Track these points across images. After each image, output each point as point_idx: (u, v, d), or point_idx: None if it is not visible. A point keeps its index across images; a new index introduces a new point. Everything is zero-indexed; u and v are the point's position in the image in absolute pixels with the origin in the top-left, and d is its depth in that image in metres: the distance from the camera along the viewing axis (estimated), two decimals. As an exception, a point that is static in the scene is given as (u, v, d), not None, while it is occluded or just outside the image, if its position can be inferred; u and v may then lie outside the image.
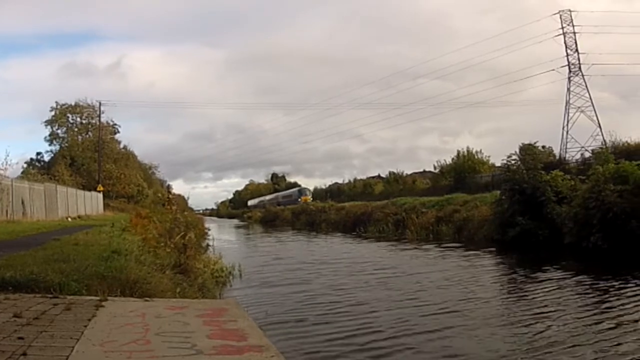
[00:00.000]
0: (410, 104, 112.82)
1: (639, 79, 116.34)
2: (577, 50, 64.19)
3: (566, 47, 64.57)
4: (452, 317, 12.08)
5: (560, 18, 64.23)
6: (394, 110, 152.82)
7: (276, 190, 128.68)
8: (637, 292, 13.62)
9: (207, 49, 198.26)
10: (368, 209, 48.46)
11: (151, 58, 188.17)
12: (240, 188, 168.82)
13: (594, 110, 62.20)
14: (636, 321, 10.82)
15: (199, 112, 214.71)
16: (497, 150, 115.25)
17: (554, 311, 12.37)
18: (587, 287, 15.12)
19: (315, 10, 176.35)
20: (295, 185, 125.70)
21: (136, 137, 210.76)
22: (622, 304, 12.58)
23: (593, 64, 61.38)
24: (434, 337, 10.49)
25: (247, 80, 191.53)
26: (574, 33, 64.02)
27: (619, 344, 9.37)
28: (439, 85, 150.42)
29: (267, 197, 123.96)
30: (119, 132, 72.06)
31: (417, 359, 9.31)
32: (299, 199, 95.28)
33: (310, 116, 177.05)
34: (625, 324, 10.65)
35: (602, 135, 54.81)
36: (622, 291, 13.98)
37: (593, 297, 13.80)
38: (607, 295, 13.67)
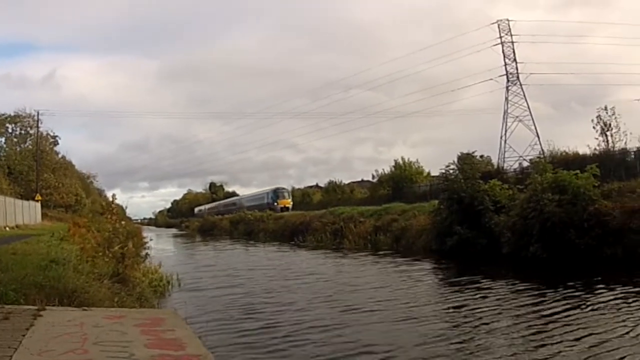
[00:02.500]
0: (345, 115, 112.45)
1: (570, 89, 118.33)
2: (515, 59, 64.68)
3: (504, 56, 64.94)
4: (369, 316, 13.34)
5: (499, 27, 64.66)
6: (329, 120, 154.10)
7: (214, 200, 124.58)
8: (574, 301, 13.65)
9: (143, 59, 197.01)
10: (306, 219, 48.05)
11: (88, 68, 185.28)
12: (178, 197, 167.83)
13: (532, 119, 62.70)
14: (567, 325, 11.12)
15: (135, 122, 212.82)
16: (434, 160, 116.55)
17: (479, 317, 12.74)
18: (522, 295, 15.22)
19: (249, 22, 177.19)
20: (233, 194, 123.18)
21: (74, 146, 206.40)
22: (556, 312, 12.69)
23: (531, 74, 61.96)
24: (346, 332, 11.71)
25: (182, 91, 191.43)
26: (512, 42, 64.52)
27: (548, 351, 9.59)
28: (372, 95, 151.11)
29: (224, 202, 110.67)
30: (58, 143, 70.41)
31: (317, 351, 10.30)
32: (275, 203, 78.01)
33: (245, 126, 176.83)
34: (557, 332, 10.79)
35: (540, 144, 54.98)
36: (558, 300, 14.01)
37: (526, 305, 13.93)
38: (542, 304, 13.79)
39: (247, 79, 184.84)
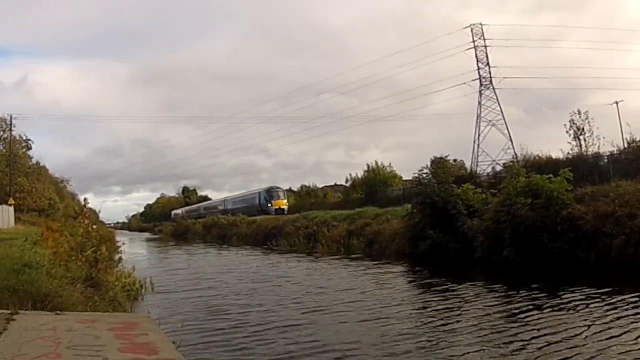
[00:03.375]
0: (316, 119, 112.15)
1: (542, 93, 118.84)
2: (488, 63, 64.76)
3: (477, 60, 65.07)
4: (334, 317, 13.87)
5: (472, 31, 64.74)
6: (300, 124, 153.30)
7: (187, 204, 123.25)
8: (538, 303, 13.80)
9: (115, 64, 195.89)
10: (279, 223, 47.83)
11: (60, 73, 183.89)
12: (151, 202, 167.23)
13: (505, 123, 62.93)
14: (525, 325, 11.39)
15: (107, 126, 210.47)
16: (406, 164, 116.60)
17: (442, 318, 13.17)
18: (488, 297, 15.57)
19: (220, 27, 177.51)
20: (206, 198, 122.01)
21: (47, 151, 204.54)
22: (518, 314, 13.00)
23: (504, 78, 62.05)
24: (310, 331, 12.26)
25: (154, 95, 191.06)
26: (485, 46, 64.59)
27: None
28: (344, 100, 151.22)
29: (205, 205, 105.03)
30: (31, 147, 69.58)
31: (281, 349, 10.80)
32: (269, 204, 70.69)
33: (217, 131, 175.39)
34: (514, 332, 11.17)
35: (514, 148, 55.15)
36: (522, 302, 14.18)
37: (490, 306, 14.24)
38: (504, 305, 14.17)
39: (219, 83, 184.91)
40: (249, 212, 67.95)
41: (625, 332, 10.50)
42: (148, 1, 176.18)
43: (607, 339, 10.12)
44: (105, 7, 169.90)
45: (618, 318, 11.70)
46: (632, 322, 11.23)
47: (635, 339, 10.02)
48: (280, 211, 66.14)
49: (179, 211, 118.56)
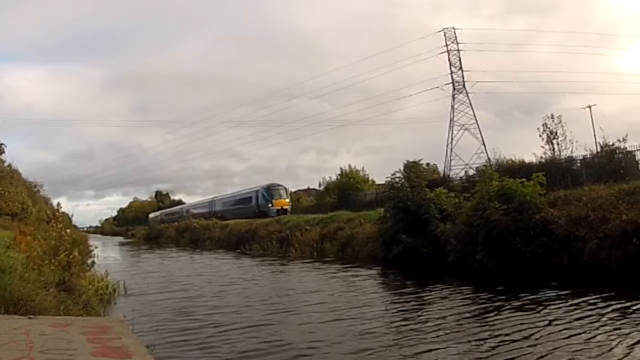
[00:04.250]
0: (288, 123, 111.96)
1: (513, 97, 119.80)
2: (461, 67, 64.87)
3: (450, 64, 65.19)
4: (299, 317, 14.30)
5: (444, 35, 64.83)
6: (273, 129, 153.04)
7: (160, 208, 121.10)
8: (509, 307, 13.80)
9: (87, 68, 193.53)
10: (252, 227, 47.53)
11: (32, 77, 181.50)
12: (124, 206, 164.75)
13: (478, 127, 63.13)
14: (500, 329, 11.43)
15: (79, 130, 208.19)
16: (379, 168, 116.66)
17: (406, 318, 13.51)
18: (454, 300, 15.63)
19: (193, 31, 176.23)
20: (179, 202, 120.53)
21: (19, 155, 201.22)
22: (490, 317, 12.98)
23: (477, 82, 62.19)
24: (275, 331, 12.65)
25: (126, 100, 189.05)
26: (458, 50, 64.69)
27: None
28: (316, 104, 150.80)
29: (188, 207, 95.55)
30: (4, 151, 68.38)
31: (245, 347, 11.21)
32: (270, 204, 61.67)
33: (189, 135, 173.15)
34: (487, 335, 11.23)
35: (487, 152, 55.27)
36: (495, 306, 14.15)
37: (454, 307, 14.44)
38: (468, 306, 14.30)
39: (191, 87, 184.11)
40: (244, 214, 61.68)
41: (583, 333, 10.70)
42: (121, 5, 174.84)
43: (564, 338, 10.44)
44: (78, 12, 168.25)
45: (578, 319, 11.93)
46: (590, 323, 11.45)
47: (590, 338, 10.28)
48: (282, 212, 58.00)
49: (157, 214, 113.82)
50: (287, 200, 63.31)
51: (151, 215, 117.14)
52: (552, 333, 10.84)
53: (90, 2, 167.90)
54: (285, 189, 65.58)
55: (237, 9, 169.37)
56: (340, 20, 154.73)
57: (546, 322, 11.79)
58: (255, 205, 64.04)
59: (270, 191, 63.30)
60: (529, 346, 10.05)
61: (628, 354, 9.22)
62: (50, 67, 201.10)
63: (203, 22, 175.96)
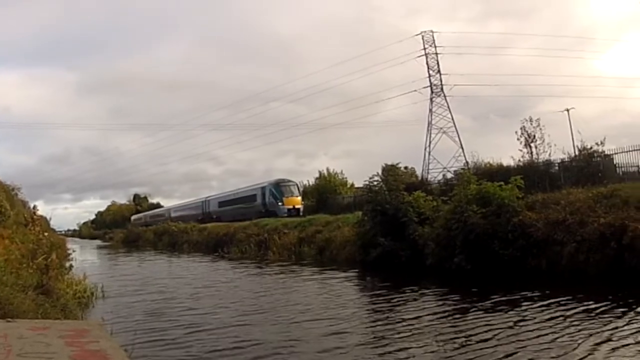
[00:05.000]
0: (266, 127, 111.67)
1: (491, 100, 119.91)
2: (439, 71, 64.82)
3: (428, 67, 65.09)
4: (269, 317, 14.58)
5: (423, 39, 64.71)
6: (250, 132, 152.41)
7: (138, 211, 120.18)
8: (488, 310, 13.74)
9: (65, 72, 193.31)
10: (230, 230, 47.29)
11: (10, 81, 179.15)
12: (102, 209, 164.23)
13: (456, 131, 63.10)
14: (486, 340, 11.02)
15: (57, 134, 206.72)
16: (357, 171, 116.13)
17: (376, 319, 13.81)
18: (438, 303, 15.45)
19: (171, 35, 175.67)
20: (157, 205, 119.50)
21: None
22: (461, 319, 13.08)
23: (455, 85, 62.18)
24: (245, 330, 12.94)
25: (104, 103, 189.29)
26: (436, 54, 64.63)
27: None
28: (293, 108, 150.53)
29: (176, 207, 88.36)
30: (-18, 154, 67.97)
31: (213, 346, 11.47)
32: (280, 202, 54.03)
33: (167, 139, 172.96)
34: (456, 335, 11.43)
35: (465, 156, 55.07)
36: (467, 307, 14.24)
37: (426, 308, 14.58)
38: (456, 312, 13.95)
39: (169, 91, 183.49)
40: (246, 215, 54.72)
41: (550, 333, 10.81)
42: (98, 10, 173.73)
43: (531, 338, 10.57)
44: (55, 15, 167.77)
45: (549, 319, 12.08)
46: (559, 324, 11.57)
47: (556, 338, 10.41)
48: (294, 212, 51.60)
49: (140, 216, 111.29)
50: (299, 198, 55.91)
51: (134, 217, 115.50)
52: (521, 333, 10.99)
53: (67, 5, 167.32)
54: (297, 185, 58.34)
55: (214, 13, 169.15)
56: (318, 24, 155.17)
57: (516, 323, 11.95)
58: (261, 205, 57.03)
59: (280, 188, 55.64)
60: (495, 345, 10.20)
61: (590, 354, 9.34)
62: (29, 70, 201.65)
63: (181, 26, 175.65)
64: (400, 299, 16.35)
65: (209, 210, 72.25)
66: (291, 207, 52.83)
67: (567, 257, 18.31)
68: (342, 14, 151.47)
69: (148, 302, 18.20)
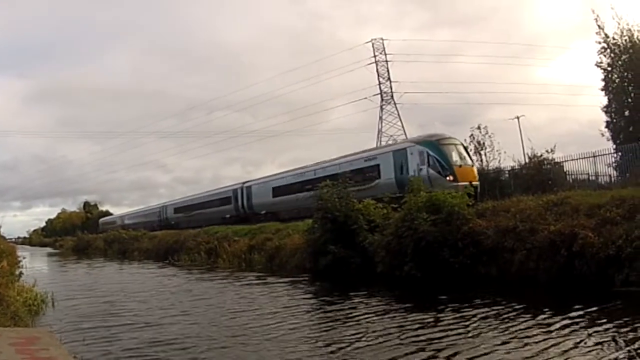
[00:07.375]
0: (213, 135, 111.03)
1: (440, 108, 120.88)
2: (389, 78, 64.65)
3: (379, 75, 64.95)
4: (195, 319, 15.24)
5: (373, 46, 64.51)
6: (197, 140, 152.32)
7: (88, 219, 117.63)
8: (437, 320, 13.38)
9: (12, 80, 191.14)
10: (180, 237, 46.84)
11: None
12: (52, 217, 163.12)
13: (406, 138, 62.88)
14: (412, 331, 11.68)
15: (4, 142, 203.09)
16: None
17: (308, 323, 14.02)
18: (375, 306, 15.77)
19: (120, 44, 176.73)
20: (107, 213, 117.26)
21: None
22: (410, 328, 12.73)
23: (405, 93, 62.09)
24: (169, 330, 13.64)
25: (51, 112, 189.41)
26: (386, 62, 64.44)
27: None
28: (240, 116, 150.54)
29: (165, 207, 74.24)
30: None
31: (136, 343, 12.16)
32: (447, 174, 30.57)
33: (115, 147, 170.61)
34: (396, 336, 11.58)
35: (415, 163, 54.80)
36: (421, 318, 13.75)
37: (388, 321, 13.83)
38: (405, 322, 13.51)
39: (118, 100, 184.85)
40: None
41: (495, 337, 10.95)
42: (47, 19, 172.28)
43: (470, 337, 10.98)
44: (3, 24, 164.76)
45: (494, 328, 11.98)
46: (502, 330, 11.58)
47: (498, 344, 10.37)
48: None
49: (113, 219, 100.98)
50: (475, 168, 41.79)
51: (102, 220, 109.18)
52: (461, 340, 10.93)
53: (14, 14, 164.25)
54: (463, 145, 36.90)
55: (161, 23, 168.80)
56: (267, 34, 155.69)
57: (458, 329, 11.85)
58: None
59: (442, 149, 33.53)
60: (434, 350, 10.23)
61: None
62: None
63: (129, 35, 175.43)
64: (345, 307, 16.07)
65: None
66: (467, 182, 29.61)
67: (517, 265, 18.11)
68: (291, 23, 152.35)
69: (97, 309, 17.98)
